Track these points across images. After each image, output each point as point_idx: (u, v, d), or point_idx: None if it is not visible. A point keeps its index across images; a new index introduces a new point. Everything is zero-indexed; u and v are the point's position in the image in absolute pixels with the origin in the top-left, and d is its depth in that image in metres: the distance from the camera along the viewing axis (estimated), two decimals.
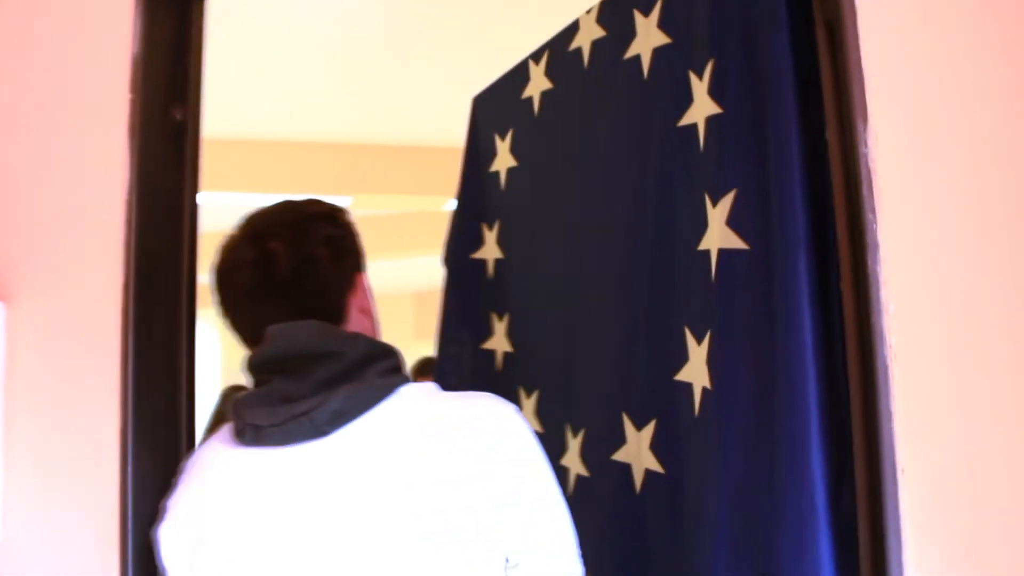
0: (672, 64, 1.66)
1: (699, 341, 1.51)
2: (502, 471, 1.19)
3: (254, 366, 1.28)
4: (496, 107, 2.46)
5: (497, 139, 2.41)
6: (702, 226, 1.51)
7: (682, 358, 1.55)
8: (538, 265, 2.17)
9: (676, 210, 1.62)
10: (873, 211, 1.30)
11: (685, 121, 1.60)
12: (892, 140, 1.31)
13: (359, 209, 6.98)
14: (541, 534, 1.21)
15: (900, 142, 1.31)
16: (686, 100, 1.59)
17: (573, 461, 1.89)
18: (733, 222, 1.43)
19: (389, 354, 1.28)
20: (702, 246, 1.51)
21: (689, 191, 1.57)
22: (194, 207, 1.61)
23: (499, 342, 2.32)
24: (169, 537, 1.28)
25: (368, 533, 1.16)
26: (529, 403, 2.14)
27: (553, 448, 1.93)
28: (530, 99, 2.23)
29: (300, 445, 1.20)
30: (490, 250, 2.42)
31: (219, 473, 1.27)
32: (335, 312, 1.32)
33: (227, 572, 1.22)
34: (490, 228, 2.42)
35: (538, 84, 2.21)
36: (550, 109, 2.16)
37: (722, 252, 1.44)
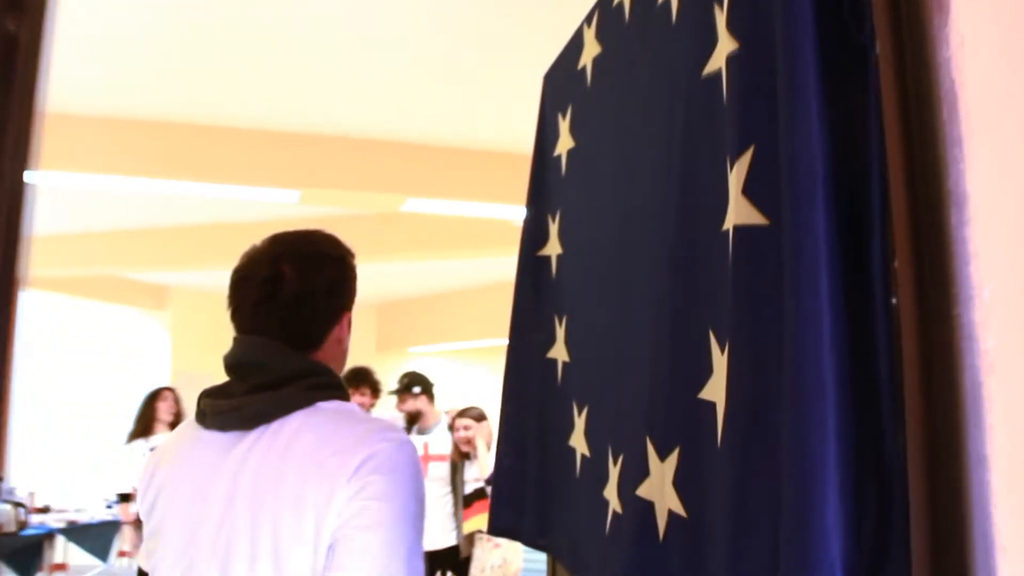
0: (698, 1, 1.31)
1: (723, 349, 1.15)
2: (350, 494, 1.35)
3: (224, 364, 1.54)
4: (558, 83, 2.17)
5: (559, 119, 2.11)
6: (725, 200, 1.16)
7: (706, 370, 1.20)
8: (589, 259, 1.86)
9: (700, 183, 1.27)
10: (960, 144, 0.86)
11: (710, 69, 1.26)
12: (989, 40, 0.86)
13: (308, 204, 6.53)
14: (350, 557, 1.33)
15: (1002, 42, 0.86)
16: (710, 41, 1.25)
17: (611, 494, 1.55)
18: (750, 190, 1.06)
19: (317, 374, 1.49)
20: (725, 225, 1.16)
21: (713, 157, 1.22)
22: (23, 153, 1.16)
23: (559, 350, 2.03)
24: (140, 490, 1.58)
25: (249, 514, 1.39)
26: (580, 422, 1.82)
27: (599, 477, 1.64)
28: (584, 69, 1.93)
29: (233, 433, 1.46)
30: (553, 245, 2.12)
31: (176, 444, 1.57)
32: (313, 339, 1.54)
33: (167, 521, 1.49)
34: (553, 220, 2.12)
35: (590, 50, 1.90)
36: (601, 77, 1.85)
37: (738, 231, 1.08)
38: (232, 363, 1.53)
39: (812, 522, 0.88)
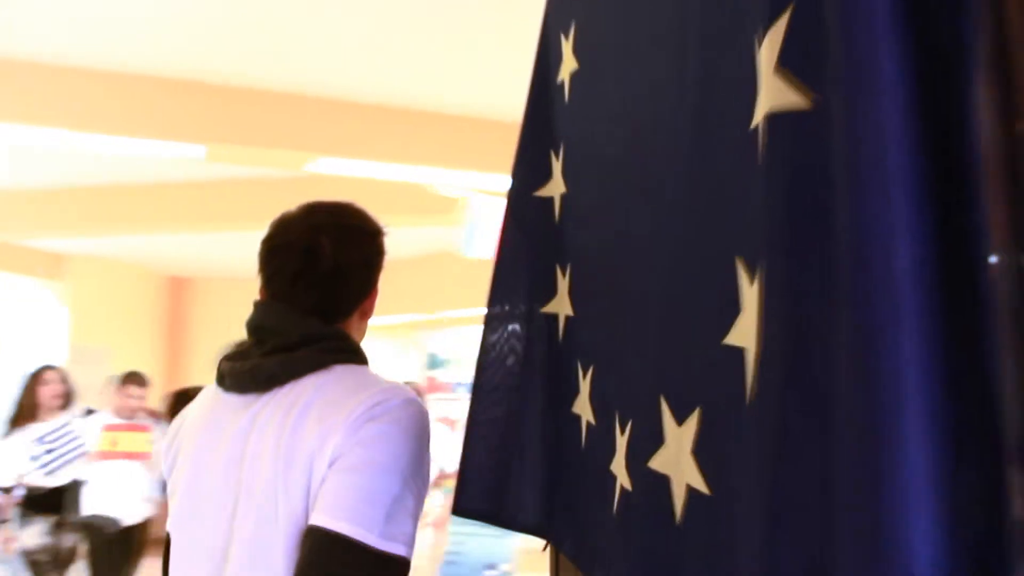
0: None
1: (752, 277, 0.89)
2: (342, 440, 1.35)
3: (245, 328, 1.57)
4: None
5: (562, 39, 1.84)
6: (753, 90, 0.89)
7: (732, 309, 0.94)
8: (597, 197, 1.60)
9: (721, 75, 1.01)
10: None
11: None
12: None
13: (215, 161, 6.01)
14: (323, 498, 1.33)
15: None
16: None
17: (619, 468, 1.30)
18: (788, 61, 0.80)
19: (334, 338, 1.52)
20: (754, 121, 0.90)
21: (736, 39, 0.96)
22: None
23: (562, 303, 1.78)
24: (163, 452, 1.63)
25: (255, 472, 1.41)
26: (585, 385, 1.57)
27: (606, 448, 1.38)
28: None
29: (249, 395, 1.49)
30: (556, 184, 1.86)
31: (199, 405, 1.60)
32: (342, 310, 1.58)
33: (182, 483, 1.52)
34: (557, 156, 1.86)
35: None
36: None
37: (772, 121, 0.81)
38: (252, 327, 1.56)
39: (890, 517, 0.61)
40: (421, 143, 5.86)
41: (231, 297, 12.06)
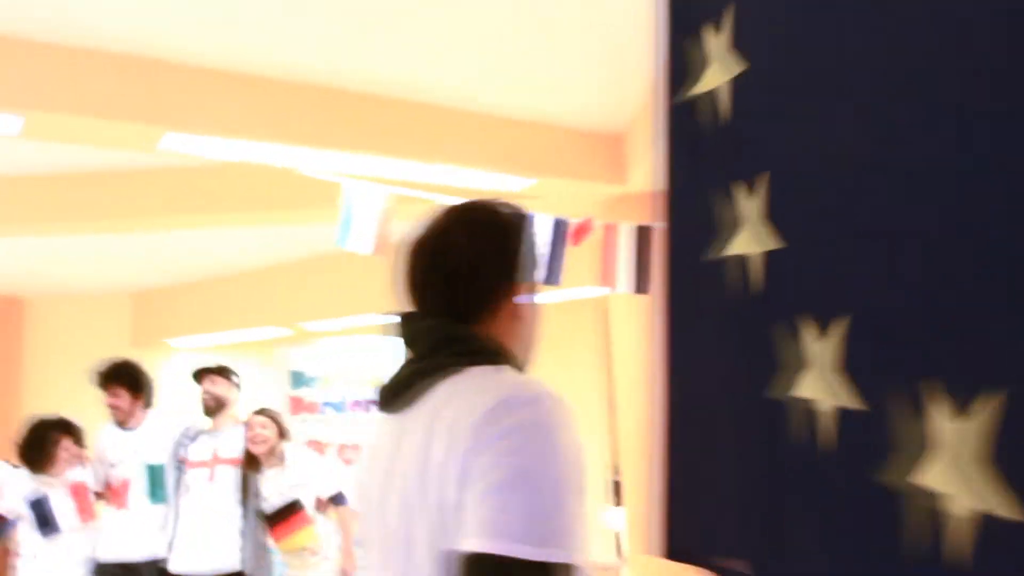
0: None
1: None
2: (468, 451, 1.31)
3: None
4: None
5: None
6: None
7: None
8: (825, 72, 1.08)
9: None
10: None
11: None
12: None
13: (34, 137, 4.87)
14: (472, 513, 1.29)
15: None
16: None
17: (937, 475, 0.72)
18: None
19: (461, 340, 1.47)
20: None
21: None
22: None
23: (751, 237, 1.24)
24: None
25: (399, 495, 1.42)
26: (825, 346, 1.03)
27: (875, 445, 0.91)
28: None
29: (397, 413, 1.51)
30: (720, 68, 1.29)
31: (373, 431, 1.62)
32: (476, 310, 1.52)
33: (361, 516, 1.57)
34: (716, 27, 1.30)
35: None
36: None
37: None
38: (403, 340, 1.55)
39: None
40: (288, 118, 5.10)
41: (74, 317, 10.97)
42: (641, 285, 4.99)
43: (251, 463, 5.21)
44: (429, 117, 5.42)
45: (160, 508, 5.37)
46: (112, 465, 5.41)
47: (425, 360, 1.46)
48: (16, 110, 4.42)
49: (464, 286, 1.50)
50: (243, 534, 5.19)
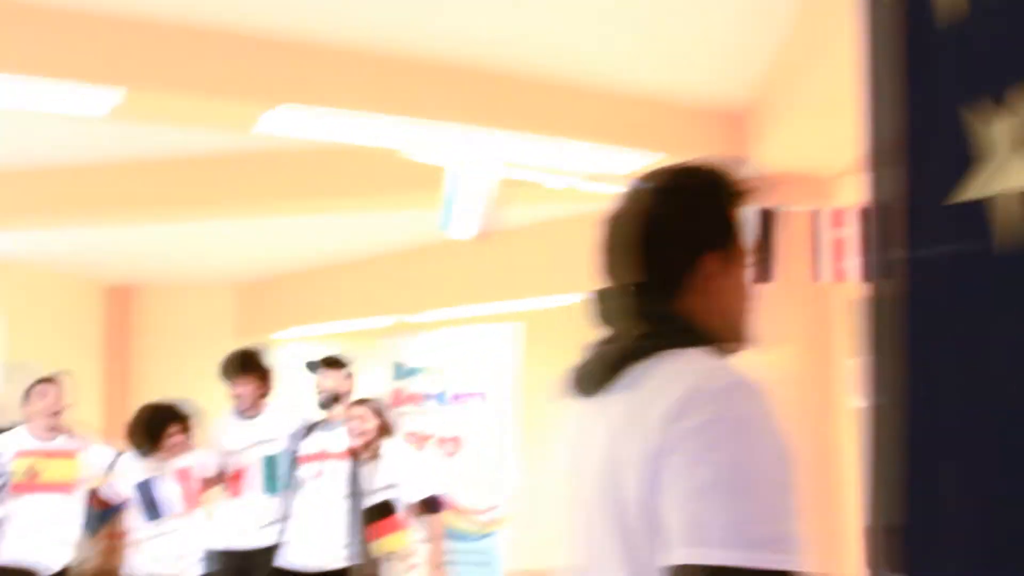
0: None
1: None
2: (659, 448, 1.21)
3: None
4: None
5: None
6: None
7: None
8: None
9: None
10: None
11: None
12: None
13: (130, 115, 4.75)
14: (675, 521, 1.19)
15: None
16: None
17: None
18: None
19: (659, 320, 1.34)
20: None
21: None
22: None
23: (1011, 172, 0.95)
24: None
25: (591, 491, 1.33)
26: None
27: None
28: None
29: (588, 397, 1.40)
30: None
31: (566, 416, 1.50)
32: (671, 282, 1.37)
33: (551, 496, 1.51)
34: None
35: None
36: None
37: None
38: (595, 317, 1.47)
39: None
40: (395, 91, 4.85)
41: (178, 307, 11.01)
42: (764, 273, 4.61)
43: (354, 456, 5.03)
44: (544, 90, 5.12)
45: (275, 499, 5.24)
46: (230, 453, 5.32)
47: (619, 342, 1.37)
48: (112, 85, 4.24)
49: (654, 258, 1.39)
50: (351, 531, 5.00)
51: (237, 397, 5.35)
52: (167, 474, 5.16)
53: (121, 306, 11.18)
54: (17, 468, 5.09)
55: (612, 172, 5.49)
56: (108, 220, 7.00)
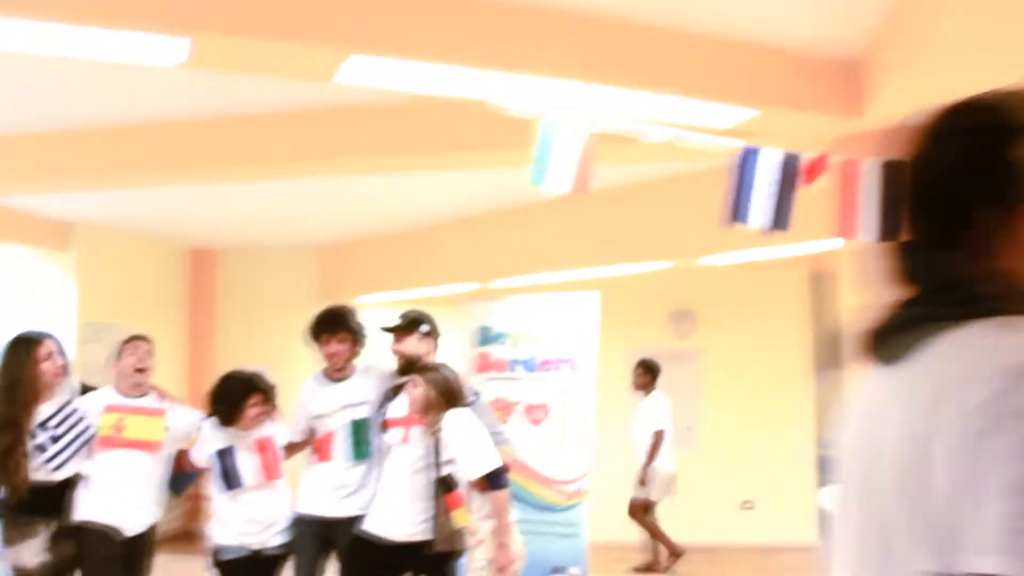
0: None
1: None
2: (964, 441, 1.01)
3: None
4: None
5: None
6: None
7: None
8: None
9: None
10: None
11: None
12: None
13: (201, 64, 4.50)
14: (992, 527, 0.97)
15: None
16: None
17: None
18: None
19: (965, 284, 1.15)
20: None
21: None
22: None
23: None
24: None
25: (879, 468, 1.14)
26: None
27: None
28: None
29: (883, 367, 1.20)
30: None
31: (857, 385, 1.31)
32: (965, 240, 1.18)
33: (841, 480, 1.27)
34: None
35: None
36: None
37: None
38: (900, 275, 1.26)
39: None
40: (483, 38, 4.57)
41: (262, 270, 10.94)
42: (889, 232, 4.23)
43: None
44: (638, 38, 4.79)
45: (361, 466, 5.10)
46: (317, 417, 5.17)
47: (920, 305, 1.18)
48: (183, 33, 4.02)
49: (940, 208, 1.21)
50: (433, 501, 4.81)
51: (330, 357, 5.17)
52: (246, 444, 5.05)
53: (204, 269, 11.16)
54: (104, 422, 4.99)
55: (714, 126, 5.14)
56: (188, 178, 6.88)
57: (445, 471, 4.69)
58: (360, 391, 5.15)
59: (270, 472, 5.07)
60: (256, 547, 5.03)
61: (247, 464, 5.03)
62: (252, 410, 5.01)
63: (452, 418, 4.66)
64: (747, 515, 10.36)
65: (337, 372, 5.18)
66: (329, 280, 10.52)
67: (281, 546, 5.10)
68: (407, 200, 8.58)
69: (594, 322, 8.15)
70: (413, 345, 4.96)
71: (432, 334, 5.07)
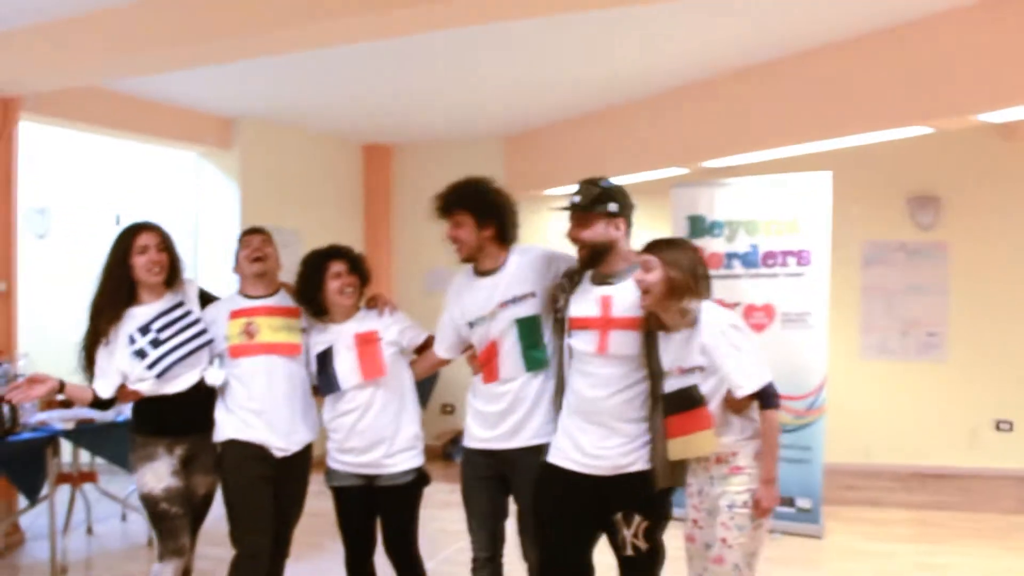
0: None
1: None
2: None
3: None
4: None
5: None
6: None
7: None
8: None
9: None
10: None
11: None
12: None
13: None
14: None
15: None
16: None
17: None
18: None
19: None
20: None
21: None
22: None
23: None
24: None
25: None
26: None
27: None
28: None
29: None
30: None
31: None
32: None
33: None
34: None
35: None
36: None
37: None
38: None
39: None
40: None
41: (434, 164, 10.01)
42: None
43: (645, 324, 3.66)
44: None
45: (540, 378, 3.94)
46: (472, 324, 4.05)
47: None
48: None
49: None
50: (648, 422, 3.68)
51: (455, 241, 4.02)
52: (344, 343, 4.16)
53: (380, 165, 10.28)
54: (232, 330, 4.21)
55: None
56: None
57: (687, 382, 3.56)
58: (522, 280, 3.97)
59: (368, 368, 4.10)
60: (367, 472, 4.12)
61: (344, 363, 4.13)
62: (334, 282, 4.10)
63: (713, 312, 3.57)
64: (1003, 437, 8.82)
65: (477, 260, 4.04)
66: (516, 172, 9.38)
67: (406, 472, 4.13)
68: (599, 75, 7.33)
69: (827, 207, 6.81)
70: (601, 230, 3.73)
71: (624, 212, 3.77)
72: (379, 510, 4.17)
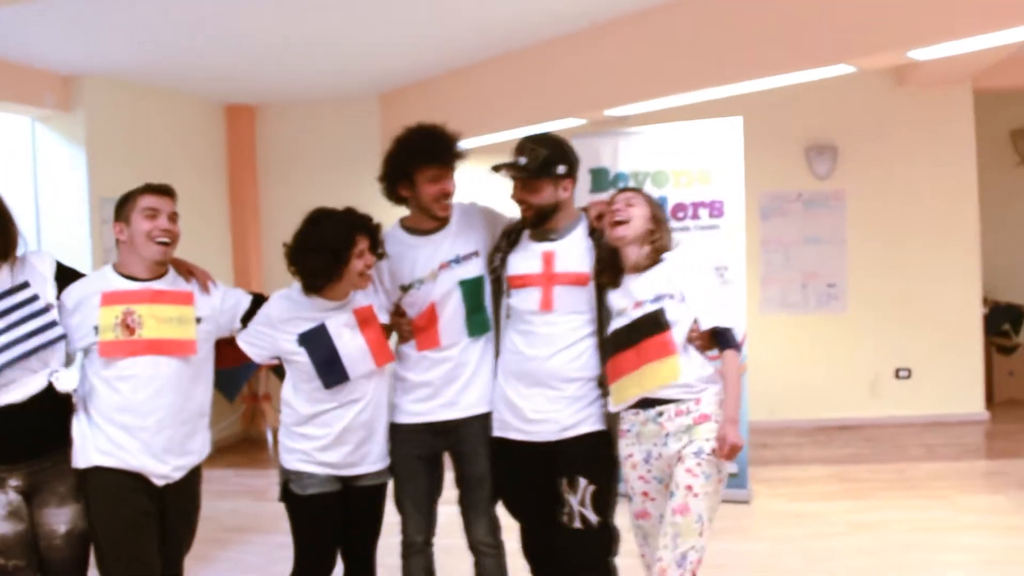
0: None
1: None
2: None
3: None
4: None
5: None
6: None
7: None
8: None
9: None
10: None
11: None
12: None
13: None
14: None
15: None
16: None
17: None
18: None
19: None
20: None
21: None
22: None
23: None
24: None
25: None
26: None
27: None
28: None
29: None
30: None
31: None
32: None
33: None
34: None
35: None
36: None
37: None
38: None
39: None
40: None
41: (303, 125, 9.28)
42: None
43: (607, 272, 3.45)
44: None
45: (481, 342, 3.62)
46: (409, 287, 3.63)
47: None
48: None
49: None
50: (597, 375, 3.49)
51: (438, 199, 3.60)
52: (343, 320, 3.50)
53: (242, 127, 9.45)
54: (104, 320, 3.24)
55: None
56: None
57: (650, 308, 3.32)
58: (465, 240, 3.67)
59: (380, 354, 3.53)
60: (348, 473, 3.54)
61: (351, 346, 3.46)
62: (358, 262, 3.43)
63: (684, 250, 3.51)
64: (903, 385, 8.76)
65: (431, 220, 3.67)
66: (394, 131, 8.72)
67: (379, 473, 3.63)
68: (484, 19, 6.73)
69: (739, 155, 6.46)
70: (549, 194, 3.51)
71: (572, 173, 3.57)
72: (352, 516, 3.59)
